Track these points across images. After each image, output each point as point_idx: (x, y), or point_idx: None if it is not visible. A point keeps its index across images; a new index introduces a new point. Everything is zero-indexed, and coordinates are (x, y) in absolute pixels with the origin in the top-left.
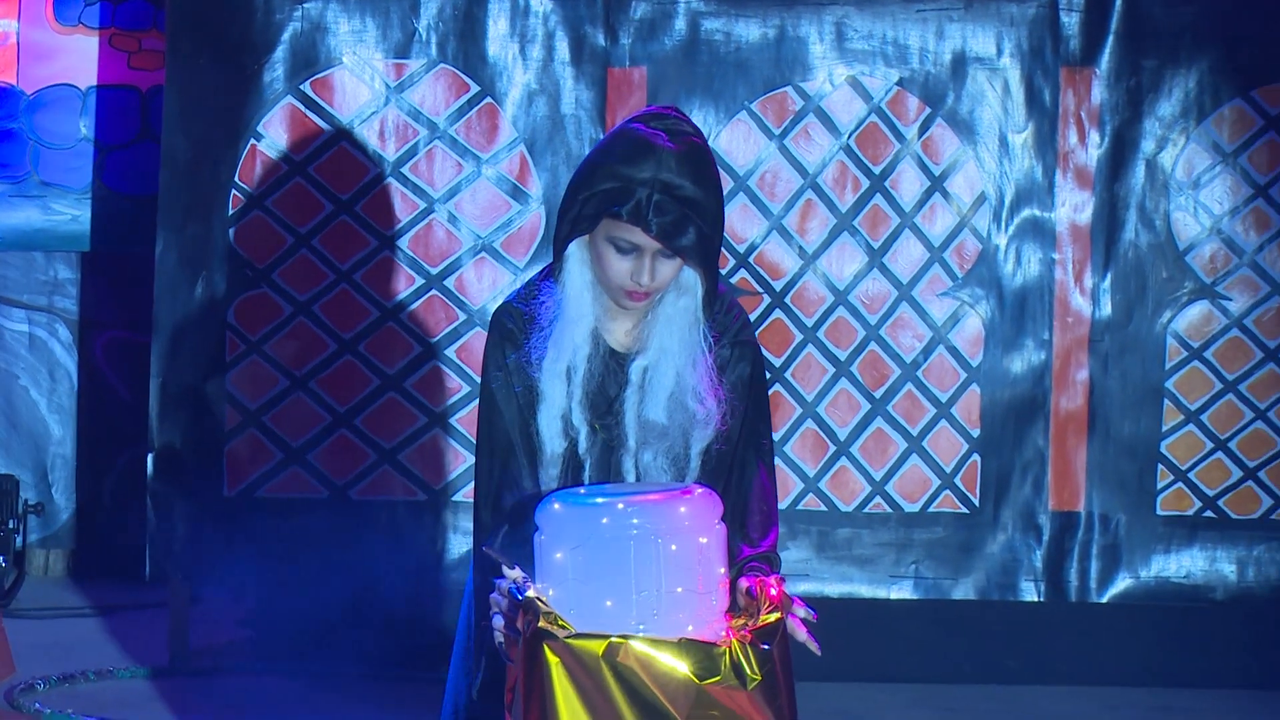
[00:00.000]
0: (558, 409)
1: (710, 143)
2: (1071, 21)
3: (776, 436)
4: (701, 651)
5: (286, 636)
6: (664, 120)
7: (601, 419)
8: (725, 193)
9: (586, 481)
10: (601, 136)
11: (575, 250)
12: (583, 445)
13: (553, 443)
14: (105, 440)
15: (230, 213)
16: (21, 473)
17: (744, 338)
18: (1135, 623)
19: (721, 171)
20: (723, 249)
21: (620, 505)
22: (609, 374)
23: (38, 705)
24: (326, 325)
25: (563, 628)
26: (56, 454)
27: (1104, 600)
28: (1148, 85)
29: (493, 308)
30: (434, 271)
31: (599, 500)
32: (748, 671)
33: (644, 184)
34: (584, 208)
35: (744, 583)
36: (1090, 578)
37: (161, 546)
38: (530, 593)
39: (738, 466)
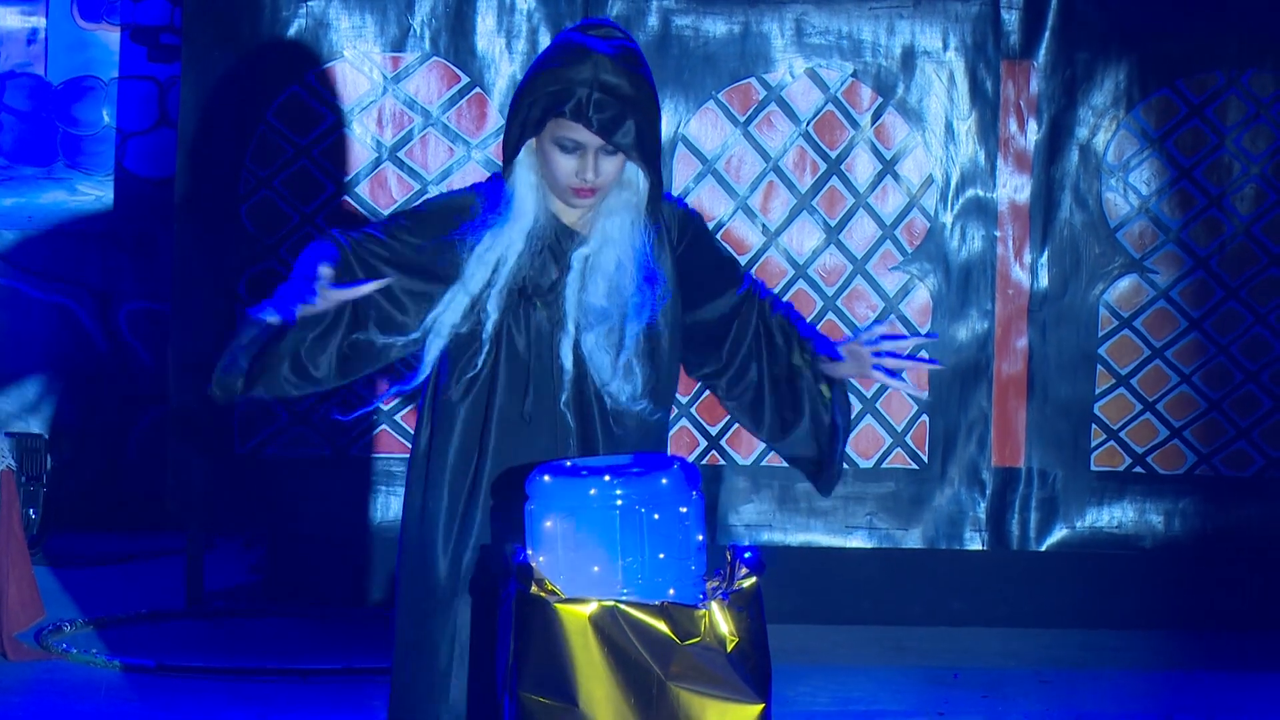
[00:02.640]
0: (470, 292)
1: (680, 130)
2: (1011, 18)
3: None
4: (682, 614)
5: (292, 581)
6: (598, 29)
7: (543, 298)
8: (699, 176)
9: (485, 364)
10: None
11: (524, 156)
12: (487, 331)
13: (449, 314)
14: (128, 402)
15: (241, 193)
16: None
17: (690, 214)
18: (1071, 569)
19: (690, 154)
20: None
21: (606, 478)
22: (552, 259)
23: (65, 645)
24: None
25: (552, 593)
26: (84, 414)
27: (1042, 549)
28: (1081, 76)
29: None
30: None
31: (585, 473)
32: (725, 634)
33: (583, 83)
34: (530, 111)
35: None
36: (1030, 528)
37: (179, 499)
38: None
39: (759, 317)
